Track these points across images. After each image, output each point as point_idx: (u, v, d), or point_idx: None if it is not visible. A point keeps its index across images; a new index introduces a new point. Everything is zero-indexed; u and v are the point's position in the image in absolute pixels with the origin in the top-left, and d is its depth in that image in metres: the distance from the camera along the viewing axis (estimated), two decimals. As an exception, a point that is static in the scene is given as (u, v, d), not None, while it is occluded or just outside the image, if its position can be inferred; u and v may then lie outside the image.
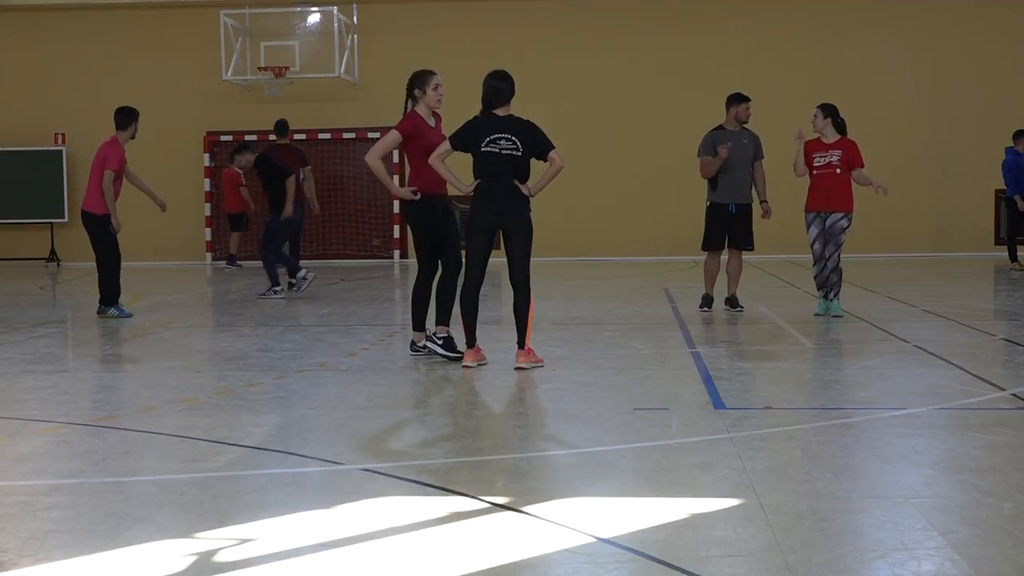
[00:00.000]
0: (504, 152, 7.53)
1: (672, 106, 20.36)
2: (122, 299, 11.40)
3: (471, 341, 7.74)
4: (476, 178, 7.66)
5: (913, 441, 5.29)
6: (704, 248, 11.01)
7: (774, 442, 5.24)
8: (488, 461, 5.03)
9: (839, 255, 10.35)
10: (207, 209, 21.61)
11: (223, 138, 21.49)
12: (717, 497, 4.29)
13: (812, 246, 10.37)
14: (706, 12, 20.87)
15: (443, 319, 8.07)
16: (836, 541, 3.80)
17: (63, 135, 21.56)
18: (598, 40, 20.97)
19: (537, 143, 7.60)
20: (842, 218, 10.27)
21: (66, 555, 3.73)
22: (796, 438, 5.33)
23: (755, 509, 4.11)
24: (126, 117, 11.34)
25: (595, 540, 3.80)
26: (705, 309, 10.88)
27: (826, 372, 7.33)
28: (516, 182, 7.63)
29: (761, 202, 10.97)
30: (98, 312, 11.26)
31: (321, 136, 21.29)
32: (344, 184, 21.50)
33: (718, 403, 6.23)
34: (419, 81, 8.00)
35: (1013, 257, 16.45)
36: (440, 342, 8.01)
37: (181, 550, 3.77)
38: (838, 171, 10.30)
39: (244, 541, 3.85)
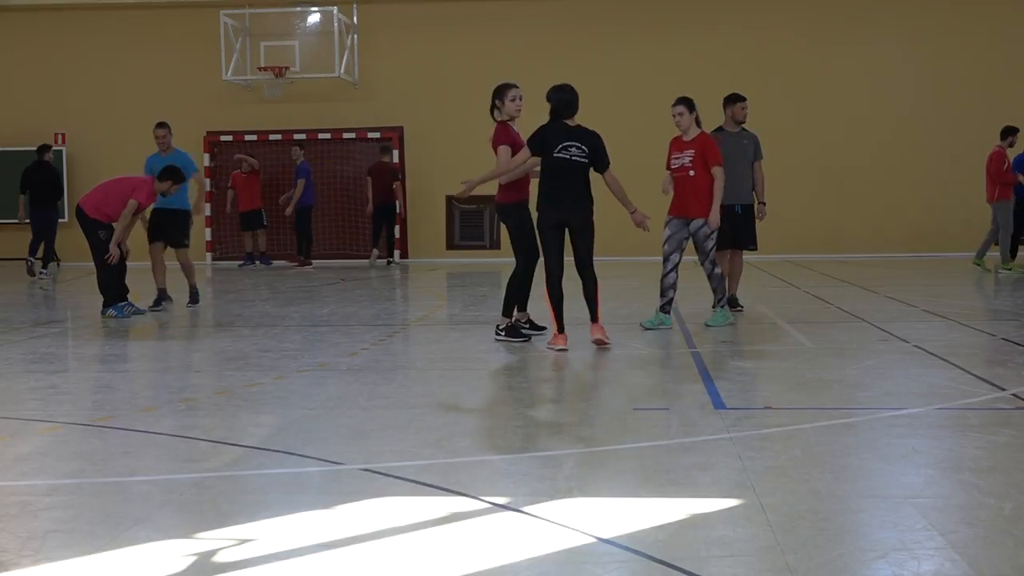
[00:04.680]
0: (574, 159, 8.38)
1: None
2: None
3: (561, 327, 8.48)
4: (544, 180, 8.44)
5: (913, 441, 5.29)
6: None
7: (774, 442, 5.24)
8: (488, 461, 5.03)
9: (711, 263, 9.63)
10: (207, 209, 21.59)
11: (223, 138, 21.50)
12: (717, 497, 4.29)
13: (663, 246, 9.69)
14: (706, 12, 20.88)
15: (522, 306, 9.21)
16: (836, 541, 3.79)
17: (63, 135, 21.57)
18: (598, 40, 20.97)
19: (599, 156, 8.49)
20: (704, 224, 9.51)
21: (66, 555, 3.72)
22: (796, 438, 5.32)
23: (755, 509, 4.11)
24: (171, 176, 11.43)
25: (595, 540, 3.79)
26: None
27: (826, 372, 7.32)
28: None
29: (759, 203, 10.93)
30: (101, 313, 11.39)
31: (321, 136, 21.29)
32: (344, 184, 21.51)
33: (718, 403, 6.22)
34: (499, 93, 8.98)
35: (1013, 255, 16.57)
36: (512, 328, 9.00)
37: (181, 550, 3.77)
38: (691, 173, 9.47)
39: (244, 541, 3.85)
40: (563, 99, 8.49)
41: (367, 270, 18.92)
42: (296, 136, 21.24)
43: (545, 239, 8.50)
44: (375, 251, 19.99)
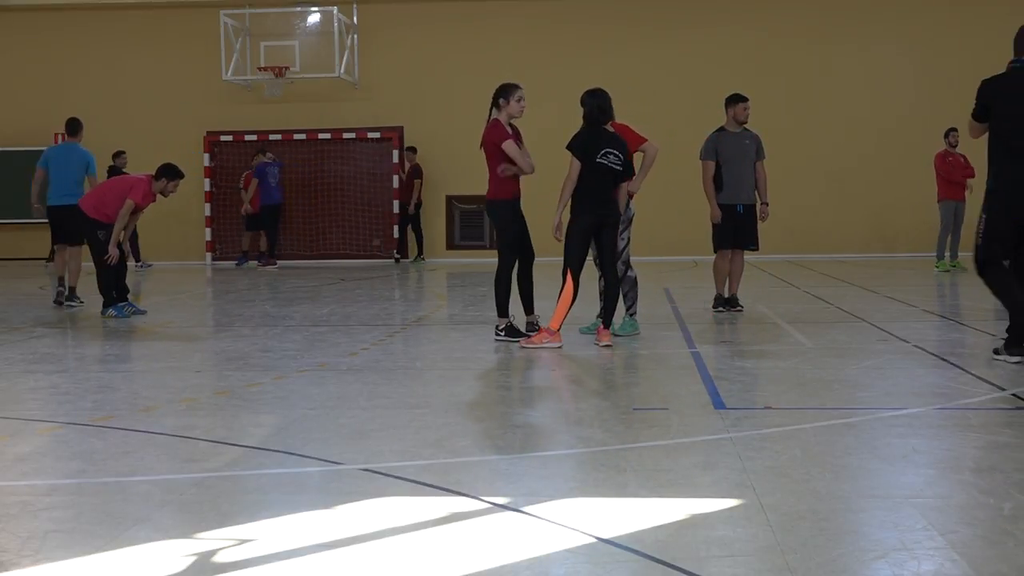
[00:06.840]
0: (612, 166, 8.56)
1: (672, 106, 20.36)
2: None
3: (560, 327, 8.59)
4: (583, 184, 8.47)
5: (913, 441, 5.28)
6: (715, 250, 10.96)
7: (774, 442, 5.24)
8: (488, 461, 5.03)
9: (623, 263, 9.18)
10: (207, 209, 21.62)
11: (223, 138, 21.51)
12: (717, 497, 4.29)
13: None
14: (706, 12, 20.89)
15: (529, 308, 9.13)
16: (836, 541, 3.79)
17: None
18: (598, 40, 20.97)
19: (629, 164, 8.71)
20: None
21: (66, 555, 3.72)
22: (796, 438, 5.32)
23: (755, 509, 4.11)
24: (167, 173, 11.34)
25: (595, 540, 3.79)
26: (720, 310, 10.85)
27: (826, 372, 7.32)
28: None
29: (761, 203, 10.93)
30: (100, 313, 11.41)
31: (321, 136, 21.30)
32: (344, 184, 21.52)
33: (718, 403, 6.22)
34: (504, 92, 8.85)
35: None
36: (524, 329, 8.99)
37: (181, 550, 3.77)
38: None
39: (244, 541, 3.85)
40: (598, 104, 8.61)
41: (400, 268, 19.10)
42: (296, 136, 21.26)
43: (576, 239, 8.54)
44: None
